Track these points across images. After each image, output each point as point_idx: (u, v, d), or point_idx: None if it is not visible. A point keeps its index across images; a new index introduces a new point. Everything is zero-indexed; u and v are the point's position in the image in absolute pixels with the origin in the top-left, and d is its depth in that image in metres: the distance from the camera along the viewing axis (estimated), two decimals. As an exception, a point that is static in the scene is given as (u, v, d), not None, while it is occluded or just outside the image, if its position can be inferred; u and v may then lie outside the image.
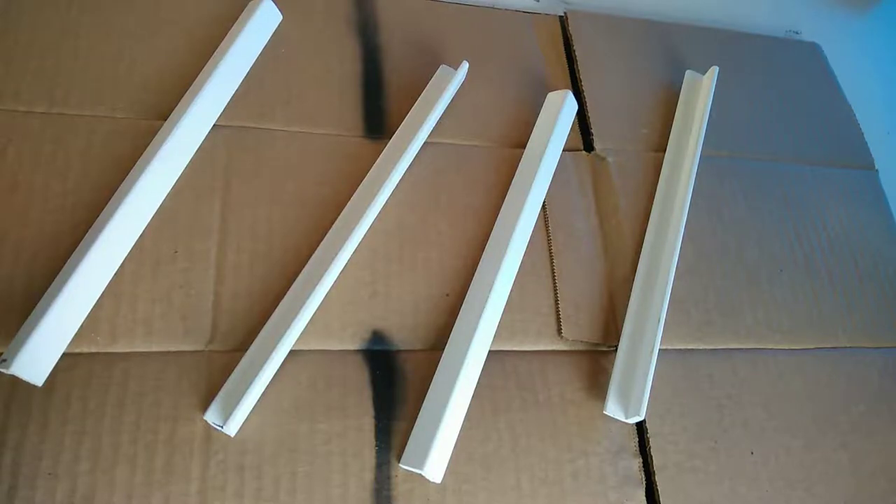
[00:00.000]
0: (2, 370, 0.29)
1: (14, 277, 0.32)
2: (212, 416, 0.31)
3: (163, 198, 0.35)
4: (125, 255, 0.33)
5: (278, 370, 0.33)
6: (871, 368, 0.42)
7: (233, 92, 0.39)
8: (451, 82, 0.42)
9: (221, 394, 0.31)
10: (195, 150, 0.37)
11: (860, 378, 0.42)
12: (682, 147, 0.45)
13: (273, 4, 0.41)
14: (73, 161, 0.35)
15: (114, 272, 0.33)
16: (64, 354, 0.31)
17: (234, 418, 0.30)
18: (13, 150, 0.34)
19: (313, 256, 0.35)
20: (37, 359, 0.29)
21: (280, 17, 0.42)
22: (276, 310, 0.34)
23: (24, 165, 0.34)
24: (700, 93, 0.48)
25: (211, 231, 0.35)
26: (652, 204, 0.43)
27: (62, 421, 0.30)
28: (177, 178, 0.36)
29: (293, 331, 0.32)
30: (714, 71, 0.48)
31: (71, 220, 0.34)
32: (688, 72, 0.49)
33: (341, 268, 0.35)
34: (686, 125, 0.47)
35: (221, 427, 0.30)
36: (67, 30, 0.38)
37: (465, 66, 0.42)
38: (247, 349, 0.33)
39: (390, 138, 0.40)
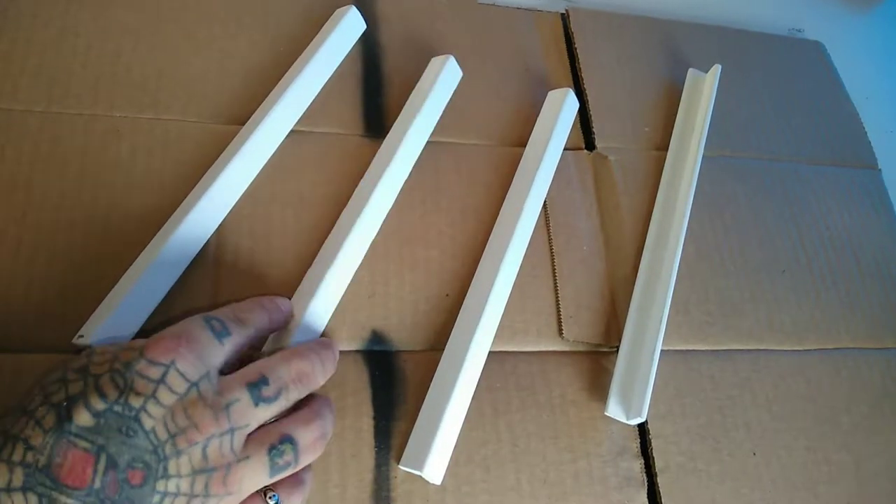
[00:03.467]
0: (79, 344, 0.29)
1: (14, 277, 0.32)
2: None
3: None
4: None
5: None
6: (873, 369, 0.42)
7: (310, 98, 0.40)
8: (439, 74, 0.41)
9: None
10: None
11: (863, 379, 0.42)
12: (685, 147, 0.45)
13: (358, 13, 0.42)
14: (71, 160, 0.35)
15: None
16: (61, 352, 0.31)
17: None
18: (11, 148, 0.34)
19: (318, 258, 0.35)
20: (111, 339, 0.30)
21: (364, 27, 0.43)
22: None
23: (21, 164, 0.34)
24: (702, 92, 0.48)
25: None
26: (653, 202, 0.43)
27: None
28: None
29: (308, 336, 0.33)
30: (716, 69, 0.47)
31: (68, 218, 0.33)
32: (690, 70, 0.49)
33: (354, 270, 0.36)
34: (688, 124, 0.46)
35: None
36: (66, 28, 0.38)
37: (451, 59, 0.42)
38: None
39: (390, 137, 0.40)
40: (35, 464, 0.22)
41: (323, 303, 0.34)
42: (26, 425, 0.22)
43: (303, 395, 0.28)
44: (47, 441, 0.22)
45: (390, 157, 0.38)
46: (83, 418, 0.22)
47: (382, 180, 0.37)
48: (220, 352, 0.26)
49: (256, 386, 0.26)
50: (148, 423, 0.23)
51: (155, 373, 0.24)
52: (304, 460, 0.27)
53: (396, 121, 0.40)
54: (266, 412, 0.26)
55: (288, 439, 0.26)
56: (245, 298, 0.32)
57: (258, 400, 0.26)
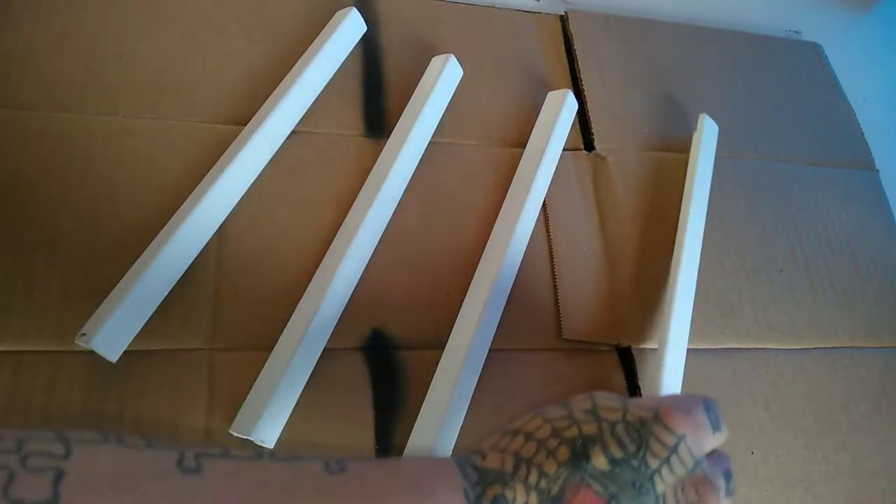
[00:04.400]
0: (82, 343, 0.29)
1: (16, 277, 0.32)
2: (241, 430, 0.30)
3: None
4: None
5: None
6: (871, 368, 0.42)
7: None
8: (441, 73, 0.41)
9: (249, 405, 0.31)
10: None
11: (861, 378, 0.42)
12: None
13: (359, 14, 0.42)
14: (73, 160, 0.35)
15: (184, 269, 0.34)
16: (62, 352, 0.31)
17: (271, 428, 0.31)
18: (13, 148, 0.34)
19: (327, 257, 0.36)
20: (114, 337, 0.30)
21: (365, 28, 0.43)
22: (295, 316, 0.34)
23: (23, 164, 0.34)
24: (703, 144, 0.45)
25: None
26: (652, 203, 0.43)
27: (63, 420, 0.30)
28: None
29: (321, 336, 0.33)
30: (703, 119, 0.45)
31: (70, 218, 0.34)
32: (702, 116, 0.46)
33: (362, 269, 0.36)
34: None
35: (263, 442, 0.30)
36: (68, 29, 0.38)
37: (451, 58, 0.42)
38: (248, 348, 0.33)
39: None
40: (547, 491, 0.23)
41: (334, 302, 0.34)
42: (537, 452, 0.24)
43: None
44: (560, 473, 0.23)
45: (396, 156, 0.38)
46: (600, 462, 0.23)
47: (390, 178, 0.37)
48: (711, 442, 0.27)
49: (728, 478, 0.27)
50: (659, 486, 0.24)
51: (669, 440, 0.24)
52: None
53: (400, 120, 0.41)
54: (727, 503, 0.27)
55: None
56: (248, 298, 0.32)
57: (728, 492, 0.27)
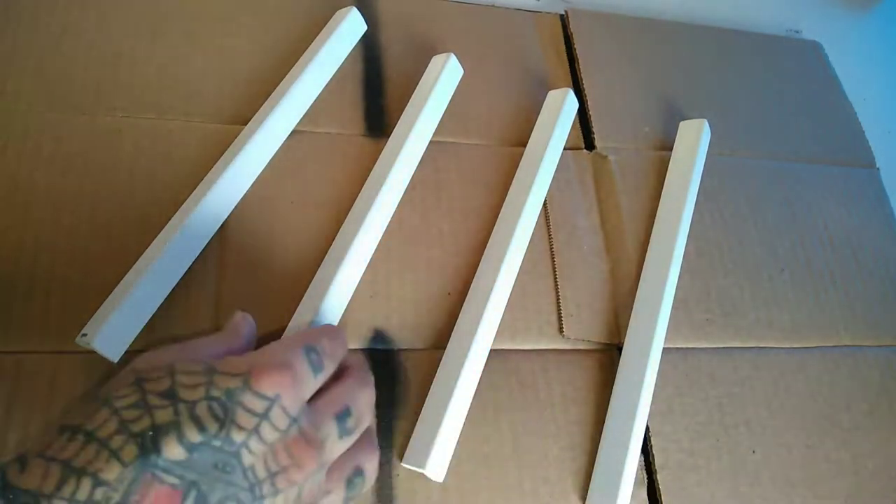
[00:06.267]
0: (82, 344, 0.29)
1: (16, 277, 0.32)
2: None
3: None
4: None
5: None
6: (872, 367, 0.42)
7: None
8: (441, 72, 0.41)
9: None
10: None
11: (862, 376, 0.42)
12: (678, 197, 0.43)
13: (359, 14, 0.42)
14: (73, 160, 0.35)
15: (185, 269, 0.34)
16: (63, 352, 0.31)
17: None
18: (13, 149, 0.34)
19: (327, 258, 0.35)
20: (115, 338, 0.30)
21: (365, 27, 0.43)
22: (296, 316, 0.33)
23: (23, 164, 0.34)
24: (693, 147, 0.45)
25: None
26: (652, 202, 0.43)
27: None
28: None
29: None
30: (703, 125, 0.45)
31: (70, 218, 0.33)
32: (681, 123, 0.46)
33: (363, 270, 0.36)
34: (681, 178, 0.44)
35: None
36: (67, 28, 0.38)
37: (452, 57, 0.42)
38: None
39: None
40: (105, 502, 0.19)
41: (335, 303, 0.34)
42: (97, 456, 0.20)
43: (369, 423, 0.28)
44: (125, 475, 0.19)
45: (396, 156, 0.38)
46: (175, 451, 0.20)
47: (389, 179, 0.37)
48: (313, 386, 0.25)
49: (342, 418, 0.25)
50: (247, 459, 0.21)
51: (260, 406, 0.22)
52: (367, 488, 0.27)
53: (401, 119, 0.41)
54: (345, 444, 0.26)
55: (360, 473, 0.26)
56: (249, 298, 0.31)
57: (343, 433, 0.25)
